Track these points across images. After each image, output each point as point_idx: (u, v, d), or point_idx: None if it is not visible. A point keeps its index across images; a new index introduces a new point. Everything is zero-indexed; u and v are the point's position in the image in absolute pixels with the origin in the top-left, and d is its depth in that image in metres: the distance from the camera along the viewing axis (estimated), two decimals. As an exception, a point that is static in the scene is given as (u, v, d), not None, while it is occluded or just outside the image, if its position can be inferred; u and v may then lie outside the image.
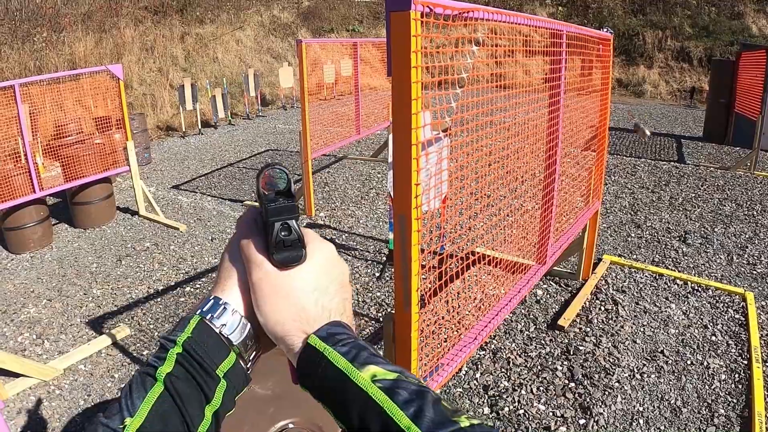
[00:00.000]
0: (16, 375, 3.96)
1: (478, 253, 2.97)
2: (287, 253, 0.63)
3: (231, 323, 0.64)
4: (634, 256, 5.74)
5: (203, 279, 5.42)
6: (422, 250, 2.14)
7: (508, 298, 3.44)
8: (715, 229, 6.52)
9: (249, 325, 0.65)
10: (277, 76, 15.02)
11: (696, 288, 5.03)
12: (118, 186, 8.72)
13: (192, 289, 5.21)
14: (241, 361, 0.64)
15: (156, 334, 4.50)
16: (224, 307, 0.64)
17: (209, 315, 0.64)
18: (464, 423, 0.50)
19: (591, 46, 4.10)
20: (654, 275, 5.26)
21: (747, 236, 6.37)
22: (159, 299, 5.07)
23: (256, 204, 0.71)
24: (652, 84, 17.61)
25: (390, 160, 4.97)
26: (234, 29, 17.21)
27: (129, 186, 8.42)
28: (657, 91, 17.42)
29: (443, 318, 2.82)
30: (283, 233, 0.62)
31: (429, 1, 1.81)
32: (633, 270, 5.37)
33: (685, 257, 5.73)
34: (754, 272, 5.48)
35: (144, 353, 4.29)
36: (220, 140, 11.97)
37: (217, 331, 0.63)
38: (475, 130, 2.60)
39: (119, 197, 8.09)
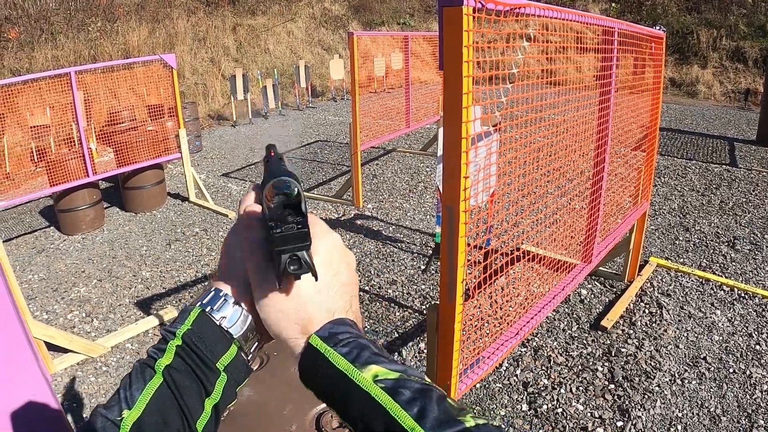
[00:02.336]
0: (65, 350, 4.12)
1: (523, 249, 2.98)
2: (293, 276, 0.59)
3: (231, 315, 0.62)
4: (681, 260, 5.65)
5: (248, 266, 5.54)
6: (468, 244, 2.17)
7: (551, 296, 3.43)
8: (766, 236, 6.37)
9: (250, 317, 0.64)
10: (327, 68, 15.12)
11: (742, 295, 4.93)
12: (169, 172, 8.94)
13: (237, 276, 5.33)
14: (242, 354, 0.63)
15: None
16: (225, 299, 0.63)
17: (209, 307, 0.63)
18: (470, 423, 0.49)
19: (643, 44, 4.05)
20: (700, 280, 5.18)
21: (800, 245, 6.22)
22: (206, 283, 5.20)
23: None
24: (706, 84, 17.18)
25: (439, 153, 5.00)
26: (285, 21, 17.40)
27: (180, 173, 8.64)
28: (710, 92, 16.99)
29: (486, 312, 2.84)
30: (292, 267, 0.56)
31: (483, -2, 1.84)
32: (679, 274, 5.29)
33: (733, 263, 5.62)
34: (805, 282, 5.35)
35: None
36: (271, 130, 12.14)
37: (218, 323, 0.62)
38: (524, 126, 2.61)
39: (170, 183, 8.31)
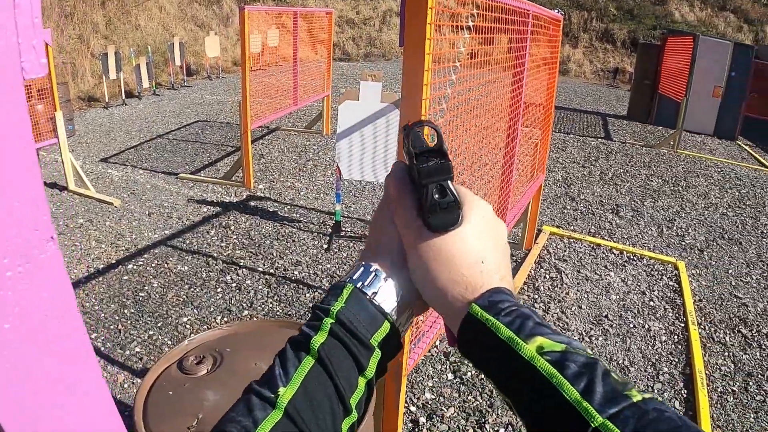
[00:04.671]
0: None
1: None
2: (442, 216, 0.60)
3: (384, 290, 0.62)
4: (572, 228, 5.94)
5: (145, 255, 5.25)
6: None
7: None
8: (645, 203, 6.82)
9: (402, 290, 0.63)
10: (201, 45, 14.58)
11: (631, 257, 5.26)
12: (42, 160, 8.31)
13: (135, 267, 5.03)
14: (395, 329, 0.62)
15: (102, 315, 4.34)
16: (375, 274, 0.62)
17: (360, 283, 0.62)
18: (637, 397, 0.48)
19: (545, 26, 4.19)
20: (592, 245, 5.47)
21: (674, 210, 6.70)
22: (100, 279, 4.86)
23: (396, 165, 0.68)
24: (577, 63, 18.13)
25: (340, 131, 4.95)
26: (157, -4, 16.60)
27: (54, 160, 8.04)
28: (581, 70, 17.95)
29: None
30: (437, 196, 0.59)
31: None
32: (572, 240, 5.56)
33: (619, 228, 5.98)
34: (683, 243, 5.78)
35: (92, 336, 4.14)
36: (146, 111, 11.53)
37: (373, 300, 0.61)
38: (456, 108, 2.61)
39: (44, 172, 7.72)
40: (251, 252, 5.18)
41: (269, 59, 9.73)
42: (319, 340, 0.58)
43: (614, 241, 5.64)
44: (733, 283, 5.04)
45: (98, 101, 12.31)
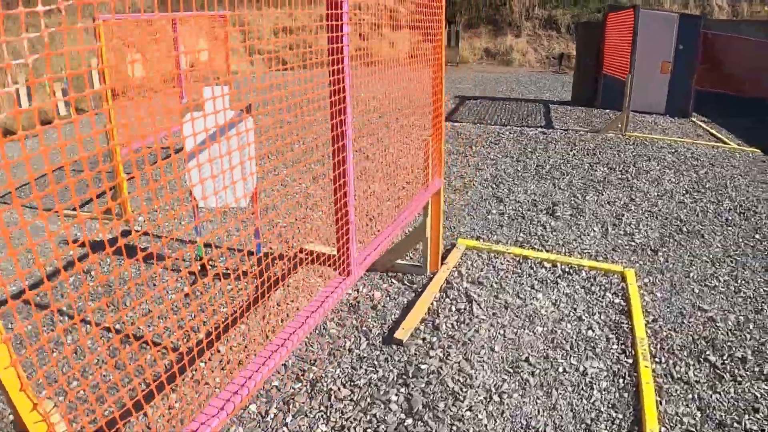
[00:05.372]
0: None
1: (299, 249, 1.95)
2: None
3: None
4: (495, 236, 4.82)
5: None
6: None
7: (303, 317, 2.40)
8: (587, 198, 5.74)
9: None
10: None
11: (567, 270, 4.16)
12: None
13: None
14: None
15: None
16: None
17: None
18: None
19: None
20: (517, 259, 4.35)
21: (622, 203, 5.63)
22: None
23: None
24: (521, 52, 17.21)
25: (187, 151, 3.80)
26: None
27: None
28: (525, 59, 17.03)
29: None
30: None
31: None
32: (492, 255, 4.43)
33: (554, 233, 4.88)
34: (633, 243, 4.70)
35: None
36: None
37: None
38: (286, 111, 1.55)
39: None
40: (104, 302, 3.99)
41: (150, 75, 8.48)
42: None
43: (546, 251, 4.54)
44: (696, 291, 3.97)
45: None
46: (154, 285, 4.41)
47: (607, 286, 3.94)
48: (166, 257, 4.66)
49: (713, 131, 9.22)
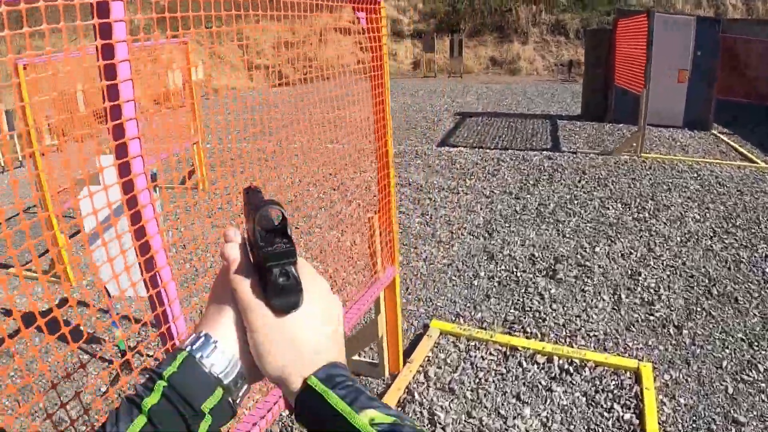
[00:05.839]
0: None
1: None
2: (285, 298, 0.60)
3: (221, 362, 0.60)
4: (480, 314, 3.92)
5: None
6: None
7: None
8: (596, 249, 4.82)
9: (240, 363, 0.61)
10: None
11: (565, 368, 3.26)
12: None
13: None
14: (229, 398, 0.60)
15: None
16: (215, 346, 0.61)
17: (199, 354, 0.60)
18: None
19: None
20: (503, 350, 3.46)
21: (639, 254, 4.72)
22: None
23: (237, 231, 0.65)
24: (528, 60, 16.32)
25: (88, 233, 3.07)
26: None
27: None
28: (533, 67, 16.16)
29: None
30: (281, 279, 0.59)
31: None
32: (472, 345, 3.54)
33: (554, 305, 3.98)
34: (651, 317, 3.79)
35: None
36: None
37: (207, 369, 0.59)
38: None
39: None
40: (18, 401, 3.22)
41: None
42: (151, 401, 0.57)
43: (543, 332, 3.65)
44: (731, 390, 3.07)
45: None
46: (76, 379, 3.62)
47: (616, 392, 3.04)
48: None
49: (737, 146, 8.28)
